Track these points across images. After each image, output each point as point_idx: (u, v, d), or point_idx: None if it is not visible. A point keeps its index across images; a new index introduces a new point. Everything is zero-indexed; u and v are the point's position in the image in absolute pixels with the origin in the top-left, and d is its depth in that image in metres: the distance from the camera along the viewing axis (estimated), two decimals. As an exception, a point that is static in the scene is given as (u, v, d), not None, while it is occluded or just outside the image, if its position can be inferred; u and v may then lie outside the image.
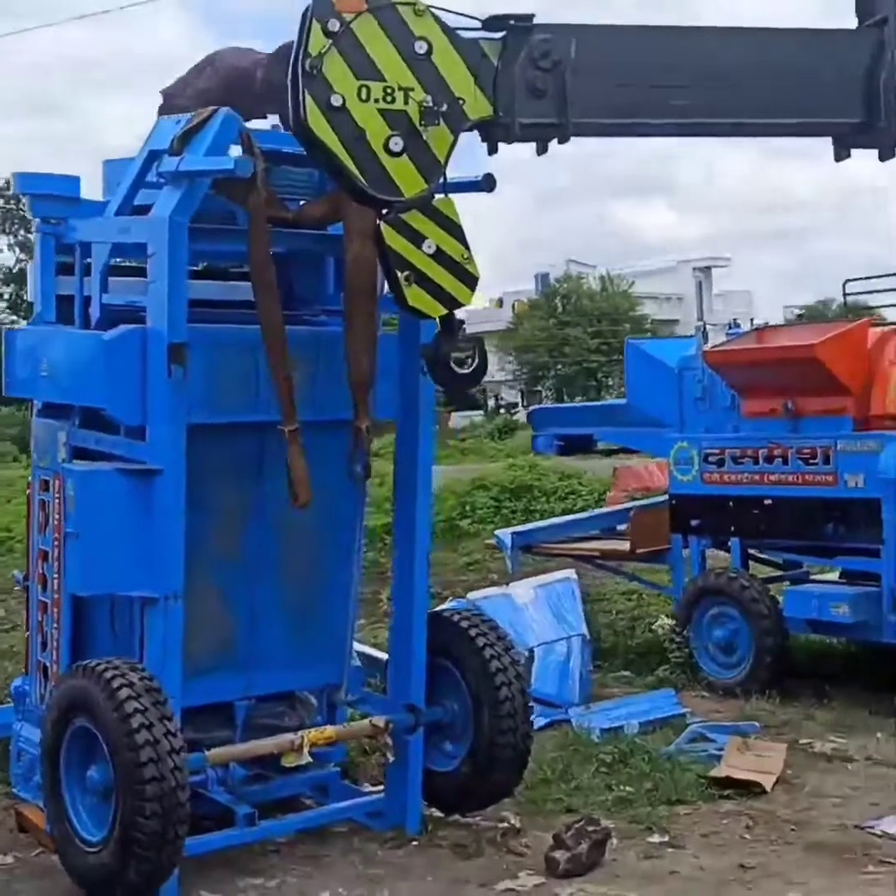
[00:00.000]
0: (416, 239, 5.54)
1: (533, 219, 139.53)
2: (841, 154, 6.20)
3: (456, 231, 5.64)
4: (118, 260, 6.45)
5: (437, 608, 7.44)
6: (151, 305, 5.94)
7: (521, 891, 6.08)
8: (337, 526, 6.89)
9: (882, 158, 6.13)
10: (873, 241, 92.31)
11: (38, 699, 6.74)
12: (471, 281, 5.71)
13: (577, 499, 21.96)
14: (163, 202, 5.91)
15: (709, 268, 69.21)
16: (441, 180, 5.59)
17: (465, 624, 6.82)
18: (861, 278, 11.31)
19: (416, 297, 5.60)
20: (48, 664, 6.62)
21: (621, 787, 7.33)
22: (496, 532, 12.24)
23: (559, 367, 57.23)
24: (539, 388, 60.30)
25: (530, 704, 6.83)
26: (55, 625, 6.55)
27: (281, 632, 6.73)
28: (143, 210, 6.11)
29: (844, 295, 11.47)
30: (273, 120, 6.50)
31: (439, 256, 5.59)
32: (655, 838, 6.69)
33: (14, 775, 7.04)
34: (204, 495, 6.23)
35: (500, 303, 65.64)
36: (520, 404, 59.21)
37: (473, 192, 6.36)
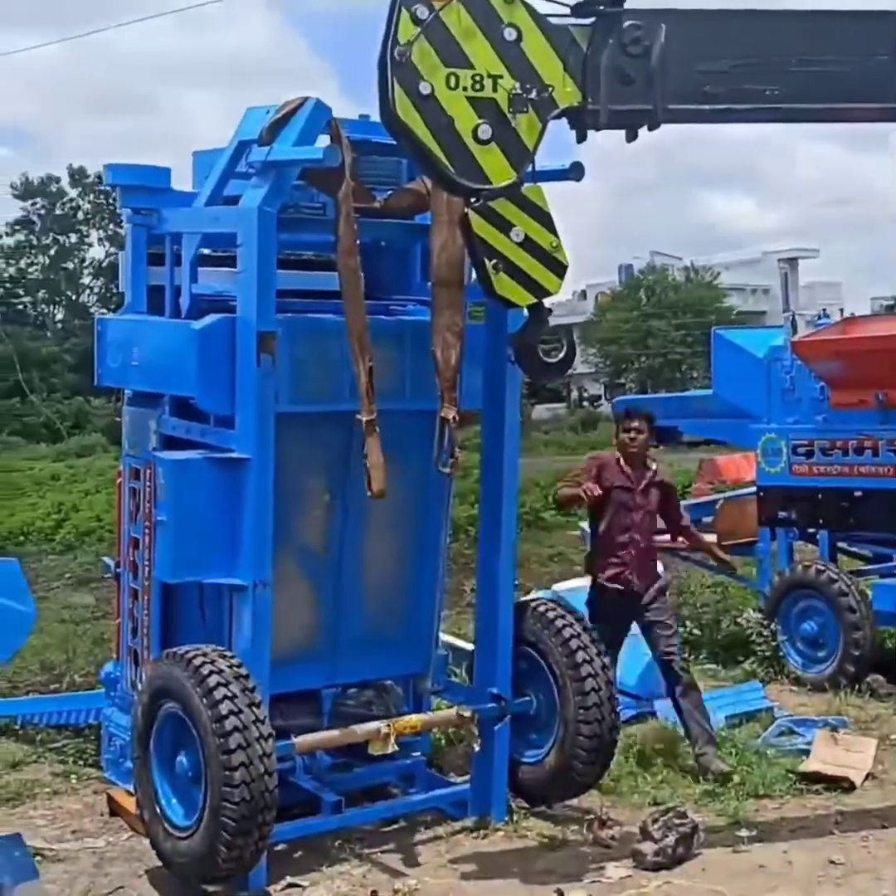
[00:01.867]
0: (505, 227, 5.52)
1: (616, 210, 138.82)
2: None
3: (545, 219, 5.61)
4: (208, 250, 6.52)
5: (523, 599, 7.41)
6: (241, 295, 5.99)
7: (607, 883, 6.05)
8: (423, 516, 6.91)
9: None
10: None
11: (128, 685, 6.84)
12: (560, 269, 5.67)
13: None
14: (252, 192, 5.95)
15: (795, 259, 68.10)
16: (530, 168, 5.55)
17: (551, 615, 6.80)
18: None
19: (504, 285, 5.58)
20: (139, 650, 6.72)
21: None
22: (582, 524, 12.16)
23: (643, 359, 56.89)
24: (622, 380, 59.99)
25: (616, 696, 6.80)
26: (145, 612, 6.64)
27: (366, 621, 6.76)
28: (233, 200, 6.15)
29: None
30: (361, 109, 6.52)
31: (528, 244, 5.56)
32: (743, 832, 6.63)
33: (105, 760, 7.15)
34: (292, 484, 6.29)
35: (584, 295, 65.42)
36: (603, 397, 58.95)
37: (561, 181, 6.34)
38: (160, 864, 5.99)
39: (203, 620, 6.46)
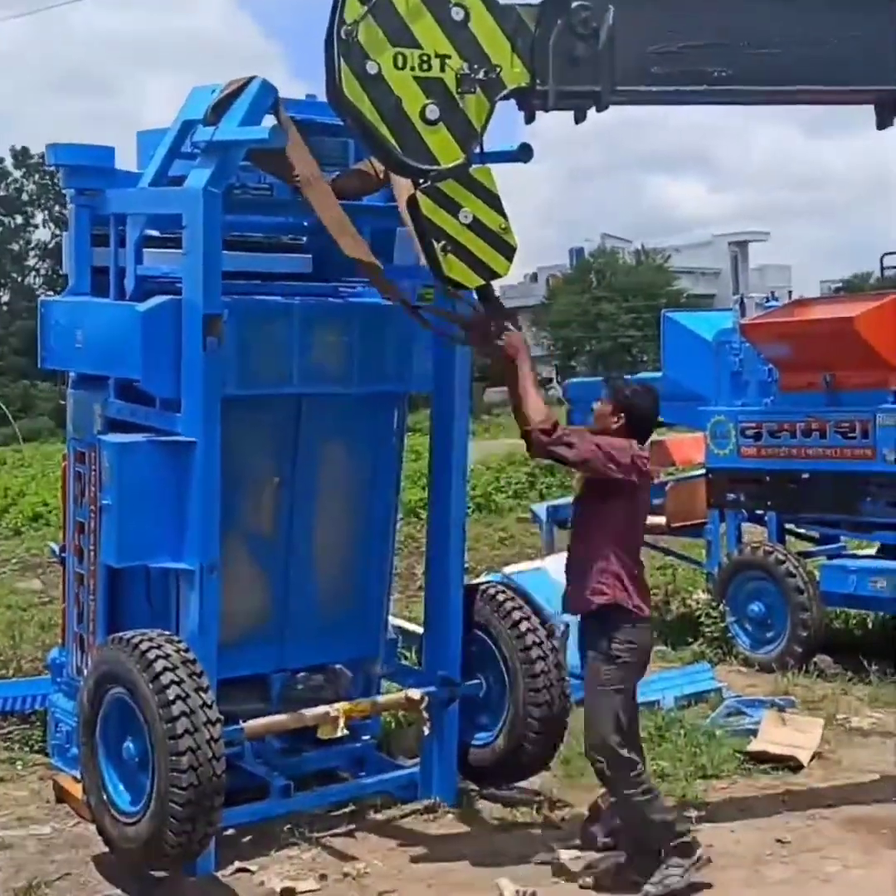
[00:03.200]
0: (453, 208, 5.48)
1: (566, 193, 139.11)
2: (884, 122, 6.12)
3: (493, 201, 5.57)
4: (154, 231, 6.45)
5: (473, 582, 7.40)
6: (186, 277, 5.92)
7: (557, 864, 6.07)
8: (372, 500, 6.89)
9: None
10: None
11: (74, 671, 6.78)
12: (508, 251, 5.64)
13: (614, 474, 21.96)
14: (197, 173, 5.87)
15: (745, 242, 68.65)
16: (478, 149, 5.53)
17: (500, 597, 6.80)
18: (898, 252, 11.23)
19: (452, 267, 5.54)
20: (84, 636, 6.66)
21: (657, 762, 7.30)
22: (531, 506, 12.21)
23: (593, 342, 57.03)
24: (573, 363, 60.10)
25: (566, 678, 6.81)
26: (91, 597, 6.57)
27: (316, 604, 6.74)
28: (178, 181, 6.07)
29: (882, 268, 11.37)
30: (310, 89, 6.48)
31: (476, 226, 5.53)
32: (692, 812, 6.64)
33: (52, 746, 7.08)
34: (239, 468, 6.25)
35: (535, 278, 65.46)
36: (554, 380, 59.04)
37: (510, 163, 6.32)
38: (107, 850, 5.94)
39: (149, 605, 6.40)
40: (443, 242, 5.50)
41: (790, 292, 13.08)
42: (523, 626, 6.67)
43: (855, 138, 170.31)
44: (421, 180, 5.49)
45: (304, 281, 6.86)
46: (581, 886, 5.84)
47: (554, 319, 58.46)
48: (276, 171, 6.13)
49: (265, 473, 6.50)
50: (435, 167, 5.40)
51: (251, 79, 5.83)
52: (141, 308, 5.99)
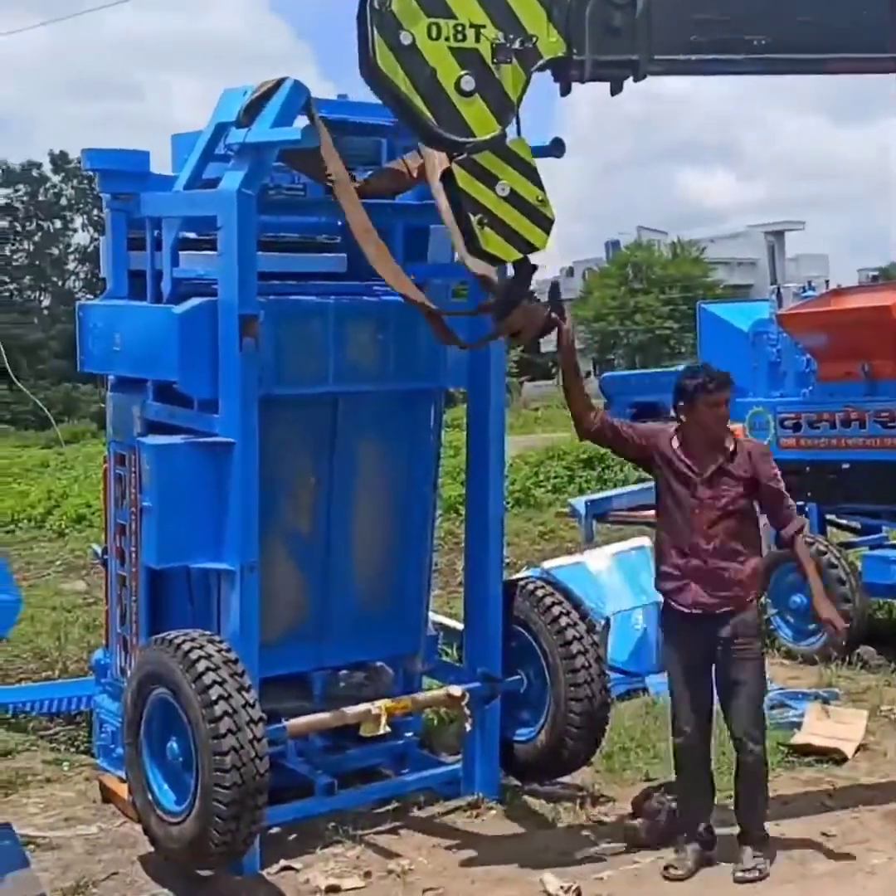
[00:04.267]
0: (490, 181, 5.35)
1: (597, 188, 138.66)
2: None
3: (530, 173, 5.42)
4: (190, 233, 6.48)
5: (512, 577, 7.40)
6: (222, 278, 5.95)
7: (600, 859, 6.07)
8: (410, 496, 6.90)
9: None
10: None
11: (118, 671, 6.83)
12: (546, 224, 5.49)
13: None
14: (231, 175, 5.90)
15: (781, 232, 68.26)
16: (514, 120, 5.39)
17: (540, 592, 6.79)
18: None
19: (490, 240, 5.41)
20: (128, 637, 6.70)
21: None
22: (570, 500, 12.20)
23: (631, 335, 56.85)
24: (611, 356, 59.95)
25: (607, 673, 6.80)
26: (134, 598, 6.63)
27: (356, 602, 6.75)
28: (213, 183, 6.10)
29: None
30: (340, 89, 6.47)
31: (513, 199, 5.39)
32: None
33: (97, 747, 7.14)
34: (277, 467, 6.27)
35: (571, 272, 65.27)
36: (592, 373, 58.90)
37: (543, 158, 6.30)
38: (153, 849, 5.99)
39: (191, 605, 6.45)
40: (479, 215, 5.36)
41: (827, 282, 12.97)
42: (563, 621, 6.66)
43: (881, 126, 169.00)
44: (456, 153, 5.36)
45: (338, 280, 6.87)
46: (668, 878, 5.84)
47: (590, 313, 58.29)
48: (309, 171, 6.14)
49: (303, 472, 6.52)
50: (471, 139, 5.30)
51: (283, 80, 5.85)
52: (177, 310, 6.03)
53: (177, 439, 6.08)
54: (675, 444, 5.91)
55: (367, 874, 5.98)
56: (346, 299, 6.55)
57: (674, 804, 6.25)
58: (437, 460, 7.10)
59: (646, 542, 9.81)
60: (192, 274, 6.32)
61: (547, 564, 9.24)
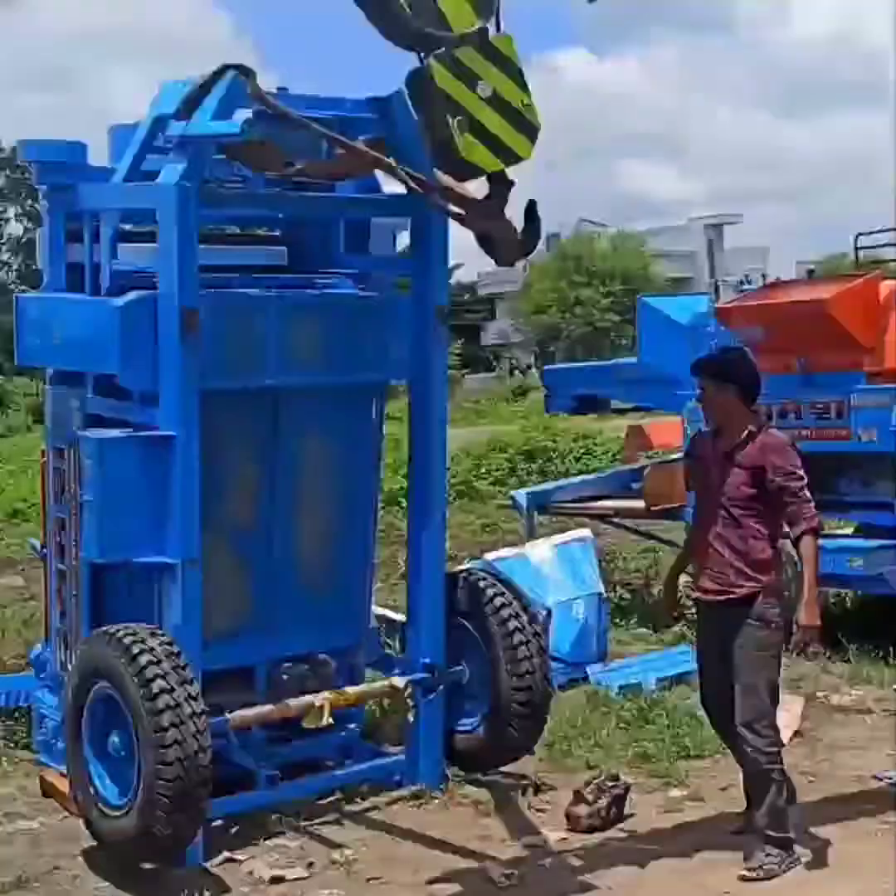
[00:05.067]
0: (471, 80, 4.95)
1: (541, 180, 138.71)
2: None
3: (515, 74, 5.03)
4: (128, 226, 6.46)
5: (455, 569, 7.44)
6: (162, 271, 5.93)
7: (543, 846, 6.13)
8: (353, 489, 6.93)
9: None
10: (876, 197, 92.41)
11: (58, 666, 6.80)
12: (531, 132, 5.11)
13: (592, 459, 22.07)
14: (170, 168, 5.89)
15: (720, 225, 68.79)
16: (495, 15, 5.04)
17: (482, 584, 6.85)
18: (872, 232, 11.28)
19: (471, 149, 5.00)
20: (68, 632, 6.68)
21: (641, 743, 7.38)
22: (512, 492, 12.26)
23: (572, 327, 57.05)
24: (552, 348, 60.15)
25: (549, 663, 6.87)
26: (74, 593, 6.59)
27: (299, 595, 6.75)
28: (152, 175, 6.09)
29: (856, 249, 11.41)
30: (279, 82, 6.45)
31: (496, 101, 4.99)
32: (675, 792, 6.76)
33: (37, 742, 7.11)
34: (219, 461, 6.27)
35: (513, 264, 65.35)
36: (532, 366, 59.07)
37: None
38: (96, 843, 5.98)
39: (131, 600, 6.41)
40: (459, 118, 4.94)
41: (764, 275, 13.11)
42: (505, 612, 6.72)
43: (820, 120, 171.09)
44: (434, 48, 4.97)
45: (279, 273, 6.87)
46: (744, 878, 5.67)
47: (532, 306, 58.43)
48: (250, 163, 6.13)
49: (245, 466, 6.53)
50: (448, 33, 4.92)
51: (223, 69, 5.80)
52: (117, 303, 6.00)
53: (118, 433, 6.06)
54: (710, 437, 6.04)
55: (311, 864, 6.00)
56: (288, 292, 6.55)
57: (616, 791, 6.35)
58: (380, 454, 7.14)
59: (587, 533, 9.93)
60: (131, 267, 6.30)
61: (489, 556, 9.28)
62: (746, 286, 10.91)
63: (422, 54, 5.01)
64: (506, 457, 22.02)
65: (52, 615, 6.91)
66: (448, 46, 4.94)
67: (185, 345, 5.85)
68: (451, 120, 4.93)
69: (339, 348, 6.55)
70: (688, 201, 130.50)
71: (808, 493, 5.82)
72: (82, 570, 6.46)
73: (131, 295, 6.01)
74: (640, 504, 10.43)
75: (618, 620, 10.22)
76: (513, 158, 5.13)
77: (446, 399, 6.90)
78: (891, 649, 8.90)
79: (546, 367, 15.73)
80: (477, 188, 5.46)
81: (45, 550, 6.96)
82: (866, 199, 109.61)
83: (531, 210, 5.49)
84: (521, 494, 11.60)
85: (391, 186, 6.76)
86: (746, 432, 5.87)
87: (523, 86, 5.08)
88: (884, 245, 11.57)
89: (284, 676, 6.78)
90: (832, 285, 9.57)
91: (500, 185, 5.29)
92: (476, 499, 19.46)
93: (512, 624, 6.69)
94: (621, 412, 13.12)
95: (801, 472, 5.85)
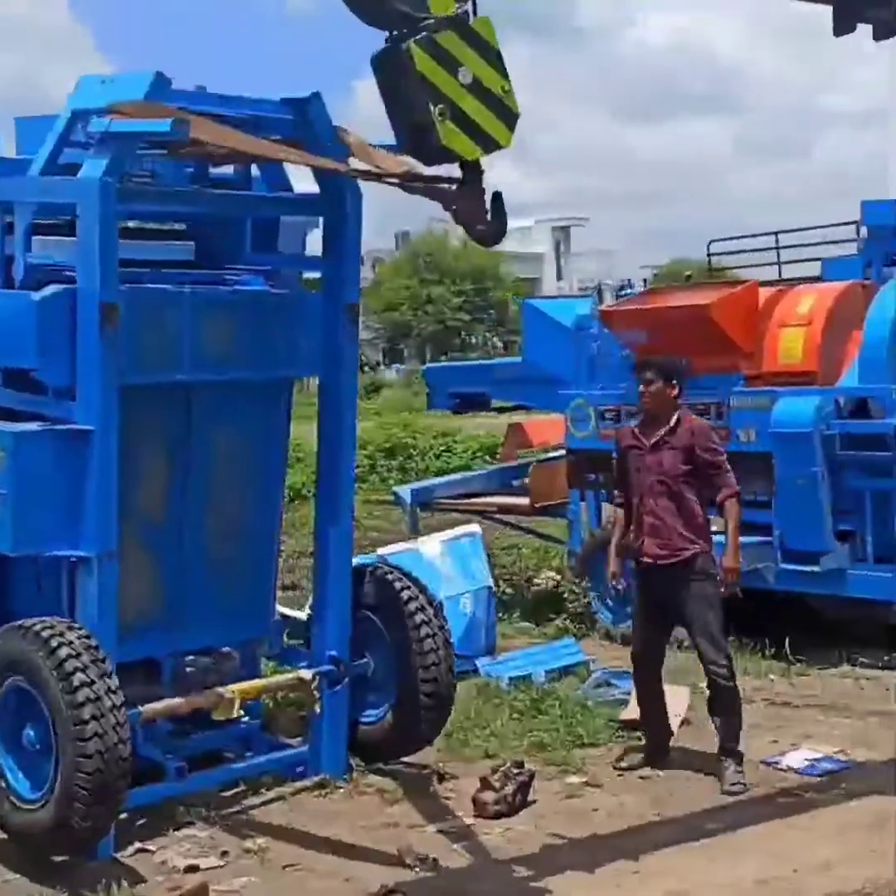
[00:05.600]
0: (452, 66, 4.86)
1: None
2: (844, 27, 5.93)
3: (494, 59, 4.96)
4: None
5: (359, 563, 7.54)
6: (81, 266, 5.94)
7: (452, 831, 6.29)
8: (261, 484, 7.02)
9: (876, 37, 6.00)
10: (717, 204, 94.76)
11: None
12: (511, 119, 5.05)
13: (452, 456, 22.30)
14: (92, 163, 5.89)
15: (567, 227, 69.95)
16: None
17: (389, 577, 6.99)
18: (724, 239, 11.69)
19: (451, 136, 4.89)
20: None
21: (535, 733, 7.57)
22: (395, 488, 12.39)
23: (423, 325, 57.39)
24: (401, 346, 60.43)
25: (453, 655, 7.03)
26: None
27: (206, 588, 6.80)
28: (68, 168, 6.07)
29: (709, 255, 11.79)
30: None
31: (477, 88, 4.91)
32: (574, 779, 6.97)
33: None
34: (132, 455, 6.27)
35: (362, 261, 65.46)
36: (381, 363, 59.23)
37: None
38: (5, 836, 5.95)
39: (39, 592, 6.42)
40: (440, 106, 4.85)
41: (645, 280, 13.40)
42: (412, 605, 6.86)
43: (663, 127, 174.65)
44: (415, 30, 4.86)
45: (187, 269, 6.90)
46: (730, 793, 6.67)
47: (382, 303, 58.59)
48: (193, 154, 6.19)
49: (157, 460, 6.57)
50: (426, 15, 4.82)
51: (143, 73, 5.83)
52: (35, 297, 5.98)
53: (35, 427, 6.04)
54: (635, 426, 7.24)
55: (225, 853, 6.04)
56: (201, 288, 6.61)
57: (521, 778, 6.54)
58: (286, 448, 7.23)
59: (476, 528, 10.12)
60: (46, 260, 6.26)
61: (383, 551, 9.39)
62: (628, 291, 11.22)
63: (395, 34, 4.92)
64: (366, 454, 22.07)
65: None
66: (429, 29, 4.86)
67: (104, 340, 5.87)
68: (432, 107, 4.85)
69: (252, 344, 6.63)
70: (533, 204, 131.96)
71: (728, 465, 7.02)
72: (-11, 565, 6.38)
73: (49, 289, 5.99)
74: (523, 501, 10.66)
75: (500, 615, 10.40)
76: (493, 145, 5.08)
77: (356, 394, 7.05)
78: (767, 642, 9.27)
79: (427, 366, 15.88)
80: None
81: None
82: (708, 204, 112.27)
83: (497, 201, 5.36)
84: (404, 490, 11.74)
85: (302, 185, 6.90)
86: (675, 419, 6.98)
87: (503, 71, 5.02)
88: (735, 252, 11.97)
89: (189, 669, 6.82)
90: (713, 291, 9.92)
91: (474, 172, 5.20)
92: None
93: (419, 617, 6.84)
94: (502, 411, 13.32)
95: (722, 449, 7.14)
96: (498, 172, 5.40)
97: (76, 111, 6.07)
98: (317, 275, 7.11)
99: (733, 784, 6.74)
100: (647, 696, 7.34)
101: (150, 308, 6.30)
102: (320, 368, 6.89)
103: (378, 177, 5.82)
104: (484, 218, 5.23)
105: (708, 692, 7.18)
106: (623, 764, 7.13)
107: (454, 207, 5.24)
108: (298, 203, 6.99)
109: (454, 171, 5.24)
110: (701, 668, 8.68)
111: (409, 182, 5.55)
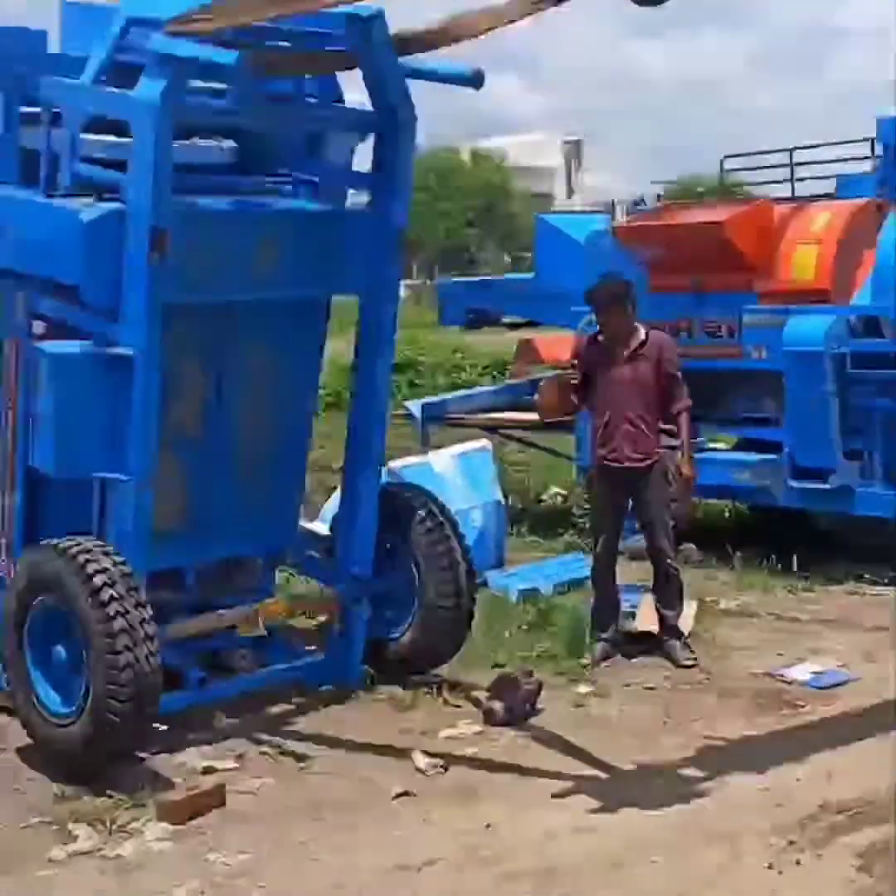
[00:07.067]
0: None
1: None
2: None
3: None
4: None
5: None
6: (133, 187, 5.84)
7: (462, 738, 6.44)
8: (294, 399, 7.06)
9: None
10: (730, 121, 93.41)
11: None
12: None
13: (462, 372, 22.27)
14: (150, 83, 5.74)
15: (579, 141, 69.18)
16: None
17: (407, 494, 7.08)
18: (738, 155, 11.60)
19: None
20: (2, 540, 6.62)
21: (544, 643, 7.71)
22: (405, 403, 12.39)
23: (431, 240, 56.98)
24: (411, 263, 60.02)
25: (474, 570, 7.13)
26: (7, 497, 6.54)
27: (234, 500, 6.82)
28: (119, 73, 5.96)
29: (722, 170, 11.72)
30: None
31: None
32: (582, 688, 7.11)
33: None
34: (171, 372, 6.22)
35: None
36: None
37: (461, 86, 6.44)
38: (36, 746, 6.04)
39: (70, 508, 6.39)
40: None
41: (658, 196, 13.22)
42: (430, 522, 6.93)
43: (673, 42, 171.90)
44: None
45: (226, 174, 6.77)
46: (688, 667, 7.42)
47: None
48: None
49: (195, 376, 6.55)
50: None
51: None
52: (84, 217, 5.87)
53: (77, 348, 5.99)
54: (601, 342, 7.69)
55: (241, 756, 6.19)
56: (252, 207, 6.56)
57: (529, 687, 6.68)
58: (320, 364, 7.30)
59: (487, 443, 10.19)
60: (92, 171, 6.09)
61: (394, 465, 9.44)
62: (641, 206, 11.17)
63: None
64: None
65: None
66: None
67: (152, 264, 5.80)
68: None
69: (297, 263, 6.53)
70: (542, 118, 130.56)
71: (682, 379, 7.61)
72: (18, 474, 6.43)
73: (97, 209, 5.88)
74: (533, 416, 10.68)
75: (510, 529, 10.51)
76: None
77: (396, 317, 6.97)
78: (772, 557, 9.41)
79: (440, 281, 15.80)
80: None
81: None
82: (720, 122, 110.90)
83: None
84: (415, 405, 11.73)
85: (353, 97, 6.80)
86: (645, 333, 7.60)
87: None
88: (749, 168, 11.90)
89: (211, 575, 6.93)
90: (726, 208, 9.89)
91: None
92: (346, 409, 19.39)
93: (437, 533, 6.91)
94: (514, 327, 13.32)
95: (680, 363, 7.74)
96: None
97: (131, 19, 5.96)
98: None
99: (686, 658, 7.45)
100: (606, 588, 7.91)
101: (200, 226, 6.17)
102: (364, 288, 6.80)
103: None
104: None
105: (657, 581, 7.82)
106: (597, 657, 7.55)
107: None
108: (351, 117, 6.85)
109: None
110: (704, 585, 8.93)
111: None
